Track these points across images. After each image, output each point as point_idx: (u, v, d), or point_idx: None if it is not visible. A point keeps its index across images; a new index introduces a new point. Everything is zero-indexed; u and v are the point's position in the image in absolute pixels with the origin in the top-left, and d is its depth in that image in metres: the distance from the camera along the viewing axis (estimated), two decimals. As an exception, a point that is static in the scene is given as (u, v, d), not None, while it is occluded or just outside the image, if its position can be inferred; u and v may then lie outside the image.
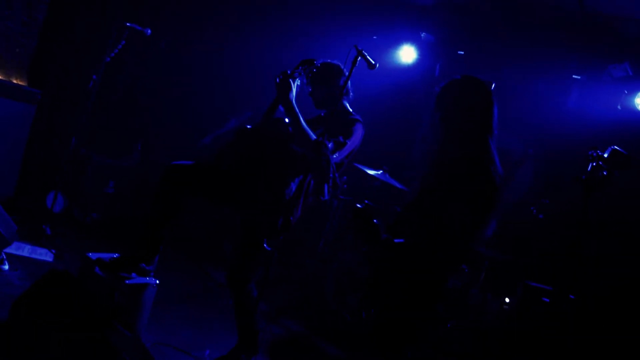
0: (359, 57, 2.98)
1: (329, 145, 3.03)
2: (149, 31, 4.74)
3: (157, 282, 3.40)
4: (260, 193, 3.27)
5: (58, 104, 5.80)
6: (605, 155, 2.26)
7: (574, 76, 5.38)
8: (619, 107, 5.09)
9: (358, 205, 2.59)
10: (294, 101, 3.15)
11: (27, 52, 5.45)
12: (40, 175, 5.78)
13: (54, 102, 5.75)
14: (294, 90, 3.18)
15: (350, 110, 3.53)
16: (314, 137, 3.08)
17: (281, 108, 3.21)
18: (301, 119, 3.14)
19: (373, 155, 5.02)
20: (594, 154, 2.27)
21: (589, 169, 2.27)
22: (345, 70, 3.38)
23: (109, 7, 5.80)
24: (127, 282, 3.21)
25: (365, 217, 2.55)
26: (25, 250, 4.38)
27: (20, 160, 5.34)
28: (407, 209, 2.71)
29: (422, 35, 6.24)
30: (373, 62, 3.01)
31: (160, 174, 3.41)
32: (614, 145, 2.25)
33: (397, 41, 6.28)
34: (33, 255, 4.36)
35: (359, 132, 3.36)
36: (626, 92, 5.05)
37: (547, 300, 3.31)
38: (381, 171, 5.09)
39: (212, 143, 5.97)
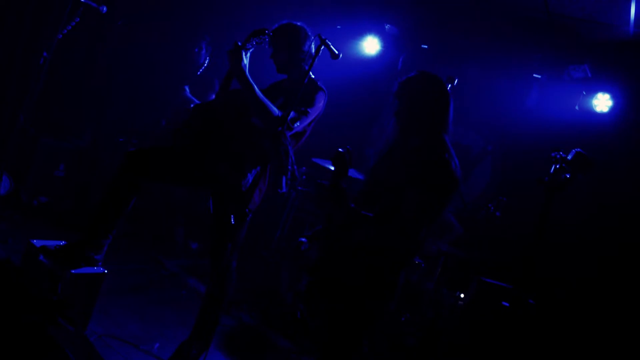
0: (322, 47, 2.90)
1: (291, 114, 3.02)
2: (105, 9, 4.54)
3: (105, 271, 3.26)
4: (222, 169, 3.20)
5: (6, 81, 5.52)
6: (569, 158, 2.25)
7: (534, 75, 5.43)
8: (576, 107, 5.17)
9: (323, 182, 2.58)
10: (246, 71, 3.11)
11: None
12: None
13: (2, 79, 5.47)
14: (246, 60, 3.14)
15: (313, 77, 3.46)
16: (275, 112, 3.06)
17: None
18: (256, 89, 3.11)
19: (332, 148, 4.94)
20: (557, 156, 2.26)
21: (551, 170, 2.26)
22: (309, 37, 3.41)
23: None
24: (72, 271, 3.06)
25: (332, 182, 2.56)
26: (-38, 234, 4.17)
27: (-37, 139, 5.07)
28: (358, 197, 2.73)
29: (387, 27, 6.21)
30: (337, 52, 2.93)
31: (118, 162, 3.30)
32: (577, 148, 2.24)
33: (361, 32, 6.25)
34: (-28, 240, 4.15)
35: (321, 101, 3.35)
36: (584, 93, 5.12)
37: (507, 304, 3.32)
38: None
39: (169, 124, 5.79)
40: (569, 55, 5.21)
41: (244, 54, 3.12)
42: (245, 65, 3.12)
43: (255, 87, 3.11)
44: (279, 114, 3.05)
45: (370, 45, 6.18)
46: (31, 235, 3.39)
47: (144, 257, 5.13)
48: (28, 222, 4.94)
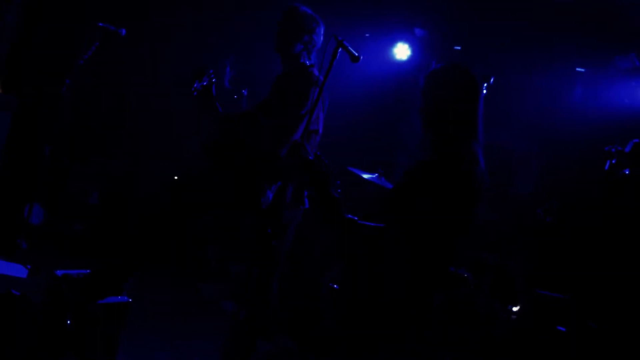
0: (340, 49, 2.65)
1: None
2: (124, 31, 4.46)
3: (130, 300, 3.10)
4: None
5: (34, 111, 5.53)
6: (627, 150, 1.97)
7: (577, 69, 5.13)
8: (626, 100, 4.85)
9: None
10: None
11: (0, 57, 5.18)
12: (18, 186, 5.49)
13: (30, 109, 5.47)
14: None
15: (311, 70, 3.19)
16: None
17: None
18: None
19: (367, 158, 4.77)
20: (613, 150, 1.98)
21: (606, 166, 1.99)
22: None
23: (84, 8, 5.53)
24: (94, 302, 2.91)
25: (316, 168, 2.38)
26: (-5, 266, 4.11)
27: (-4, 170, 5.07)
28: (379, 203, 2.51)
29: (415, 31, 6.01)
30: (356, 54, 2.67)
31: (153, 189, 3.21)
32: (636, 139, 1.96)
33: (391, 38, 6.06)
34: (5, 271, 4.08)
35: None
36: (634, 84, 4.80)
37: (564, 329, 3.00)
38: (376, 174, 4.79)
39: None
40: (614, 46, 4.89)
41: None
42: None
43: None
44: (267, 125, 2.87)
45: (401, 52, 6.00)
46: (62, 265, 3.27)
47: (177, 280, 4.98)
48: (63, 252, 4.88)
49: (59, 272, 3.14)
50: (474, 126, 2.36)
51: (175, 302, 4.54)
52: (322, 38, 3.29)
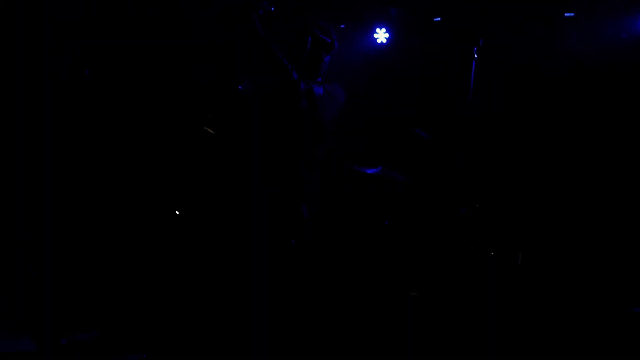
0: (309, 38, 2.41)
1: None
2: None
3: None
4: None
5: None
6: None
7: (566, 14, 4.90)
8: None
9: None
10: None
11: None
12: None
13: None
14: None
15: None
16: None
17: None
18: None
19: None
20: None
21: None
22: None
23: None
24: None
25: None
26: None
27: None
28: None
29: (392, 12, 5.80)
30: (329, 40, 2.44)
31: None
32: None
33: (368, 24, 5.85)
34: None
35: None
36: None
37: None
38: (380, 167, 4.54)
39: None
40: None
41: None
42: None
43: None
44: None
45: (380, 36, 5.79)
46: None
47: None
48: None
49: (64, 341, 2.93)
50: None
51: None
52: None
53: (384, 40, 5.77)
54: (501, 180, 4.73)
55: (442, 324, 3.86)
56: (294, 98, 2.53)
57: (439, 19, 5.55)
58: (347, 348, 3.81)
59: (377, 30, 5.78)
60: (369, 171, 4.53)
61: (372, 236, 4.47)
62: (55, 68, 4.72)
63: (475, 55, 3.69)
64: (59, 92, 4.71)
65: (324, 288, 4.09)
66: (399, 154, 4.98)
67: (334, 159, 4.02)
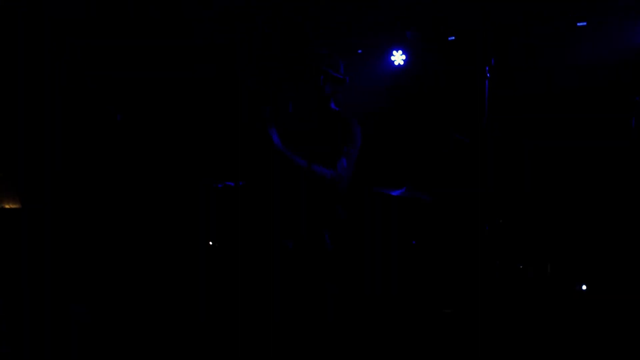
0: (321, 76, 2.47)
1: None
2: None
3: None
4: None
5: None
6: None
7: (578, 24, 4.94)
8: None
9: None
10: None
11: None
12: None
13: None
14: None
15: None
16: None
17: None
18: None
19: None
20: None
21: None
22: None
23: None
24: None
25: None
26: None
27: None
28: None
29: (408, 34, 5.91)
30: (341, 77, 2.54)
31: None
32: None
33: (385, 48, 5.98)
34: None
35: None
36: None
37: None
38: (404, 188, 4.62)
39: None
40: None
41: None
42: None
43: None
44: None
45: (397, 58, 5.91)
46: None
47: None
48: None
49: None
50: None
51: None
52: None
53: (401, 62, 5.89)
54: (523, 195, 4.76)
55: (475, 338, 3.88)
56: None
57: (453, 37, 5.64)
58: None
59: (394, 52, 5.92)
60: (393, 193, 4.61)
61: (402, 256, 4.53)
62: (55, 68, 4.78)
63: (488, 75, 3.73)
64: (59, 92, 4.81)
65: (356, 310, 4.18)
66: (422, 173, 5.03)
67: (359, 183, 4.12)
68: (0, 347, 3.20)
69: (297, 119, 2.80)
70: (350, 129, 2.74)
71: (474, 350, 3.78)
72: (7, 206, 5.19)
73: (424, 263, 4.43)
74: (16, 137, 4.62)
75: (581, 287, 3.97)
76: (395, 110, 5.79)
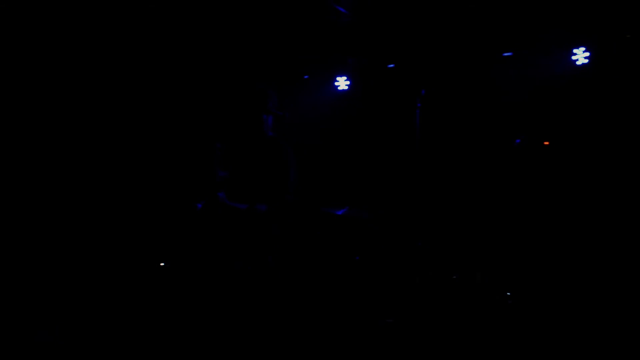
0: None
1: None
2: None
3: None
4: None
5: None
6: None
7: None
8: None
9: None
10: None
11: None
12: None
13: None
14: None
15: None
16: None
17: None
18: None
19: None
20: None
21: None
22: None
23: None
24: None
25: None
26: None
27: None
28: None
29: (350, 61, 6.20)
30: (281, 113, 2.83)
31: None
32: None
33: (330, 73, 6.24)
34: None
35: None
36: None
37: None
38: (346, 207, 4.93)
39: None
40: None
41: None
42: None
43: None
44: None
45: (341, 84, 6.18)
46: None
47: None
48: None
49: None
50: None
51: None
52: None
53: (345, 88, 6.18)
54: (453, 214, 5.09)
55: (414, 344, 4.18)
56: None
57: (393, 65, 5.96)
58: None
59: (338, 78, 6.20)
60: (338, 212, 4.91)
61: (345, 271, 4.80)
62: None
63: (419, 104, 4.04)
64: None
65: (302, 320, 4.44)
66: (363, 193, 5.30)
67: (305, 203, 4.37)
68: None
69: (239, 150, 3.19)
70: (283, 157, 3.11)
71: (413, 356, 4.09)
72: None
73: (366, 276, 4.73)
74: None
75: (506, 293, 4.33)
76: (340, 132, 6.06)
